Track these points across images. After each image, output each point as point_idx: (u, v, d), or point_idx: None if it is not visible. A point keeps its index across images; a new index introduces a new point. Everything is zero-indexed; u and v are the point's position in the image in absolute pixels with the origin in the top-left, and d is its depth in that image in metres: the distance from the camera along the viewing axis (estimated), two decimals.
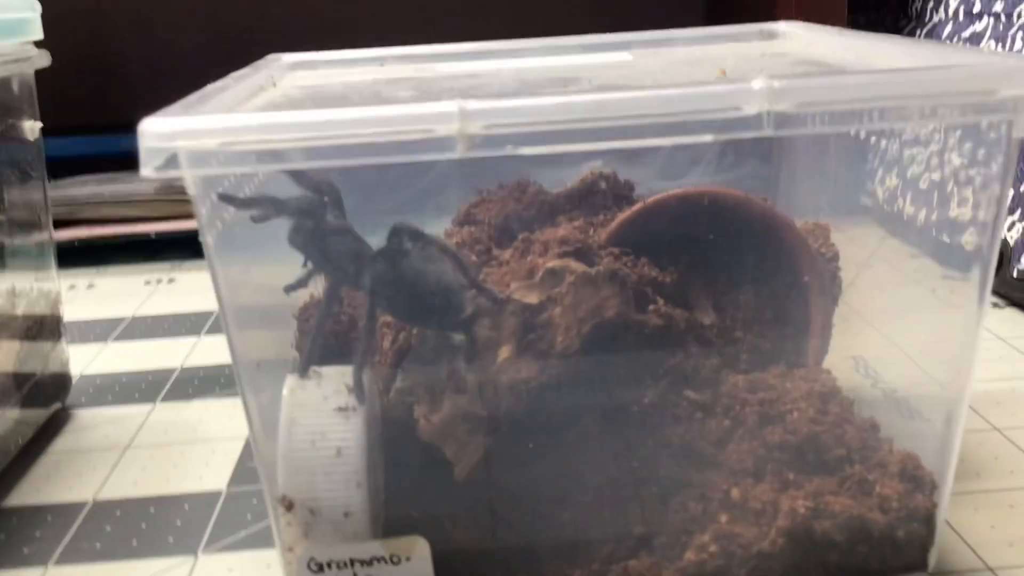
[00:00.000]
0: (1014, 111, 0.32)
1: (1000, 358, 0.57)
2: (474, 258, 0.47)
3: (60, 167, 0.89)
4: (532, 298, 0.40)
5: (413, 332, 0.41)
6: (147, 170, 0.30)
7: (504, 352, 0.39)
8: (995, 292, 0.67)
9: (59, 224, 0.84)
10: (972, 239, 0.36)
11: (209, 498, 0.47)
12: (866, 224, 0.65)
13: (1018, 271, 0.64)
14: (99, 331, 0.69)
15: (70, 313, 0.72)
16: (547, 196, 0.51)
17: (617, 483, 0.40)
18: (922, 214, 0.75)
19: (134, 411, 0.56)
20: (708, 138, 0.31)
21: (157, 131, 0.30)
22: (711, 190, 0.46)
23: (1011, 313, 0.64)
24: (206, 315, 0.71)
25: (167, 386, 0.59)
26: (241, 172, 0.33)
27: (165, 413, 0.56)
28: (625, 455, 0.40)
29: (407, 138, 0.30)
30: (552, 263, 0.41)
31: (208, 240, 0.32)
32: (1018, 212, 0.65)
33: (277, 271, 0.41)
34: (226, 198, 0.34)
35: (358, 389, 0.36)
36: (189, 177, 0.30)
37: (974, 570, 0.38)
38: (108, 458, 0.51)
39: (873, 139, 0.53)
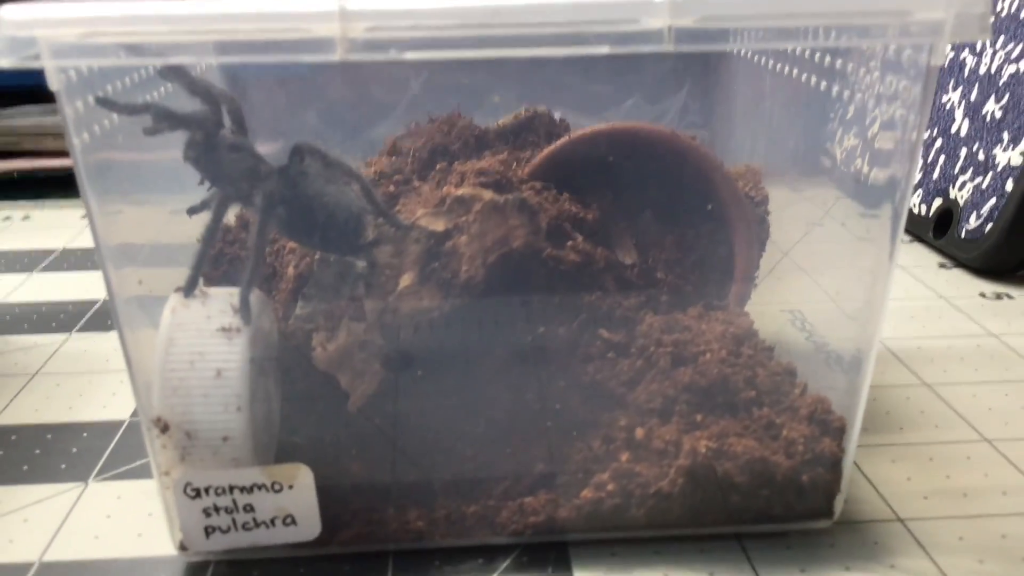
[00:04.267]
0: (932, 36, 0.30)
1: (940, 316, 0.56)
2: (391, 188, 0.45)
3: (3, 97, 0.87)
4: (438, 225, 0.38)
5: (315, 257, 0.40)
6: (4, 60, 0.28)
7: (405, 280, 0.37)
8: (943, 252, 0.66)
9: None
10: (889, 172, 0.35)
11: (109, 427, 0.45)
12: (823, 184, 0.64)
13: (966, 231, 0.62)
14: (27, 262, 0.67)
15: (1, 243, 0.70)
16: (476, 130, 0.49)
17: (522, 420, 0.38)
18: (871, 174, 0.74)
19: (49, 340, 0.55)
20: (604, 50, 0.29)
21: (16, 19, 0.28)
22: (638, 126, 0.44)
23: (957, 273, 0.62)
24: (138, 248, 0.69)
25: (86, 317, 0.58)
26: (105, 65, 0.31)
27: (80, 343, 0.54)
28: (532, 392, 0.39)
29: (283, 37, 0.28)
30: (461, 191, 0.39)
31: (75, 143, 0.31)
32: (969, 172, 0.63)
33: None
34: (105, 102, 0.33)
35: (243, 309, 0.34)
36: (50, 69, 0.29)
37: (884, 520, 0.37)
38: (13, 384, 0.49)
39: (834, 93, 0.52)
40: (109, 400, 0.48)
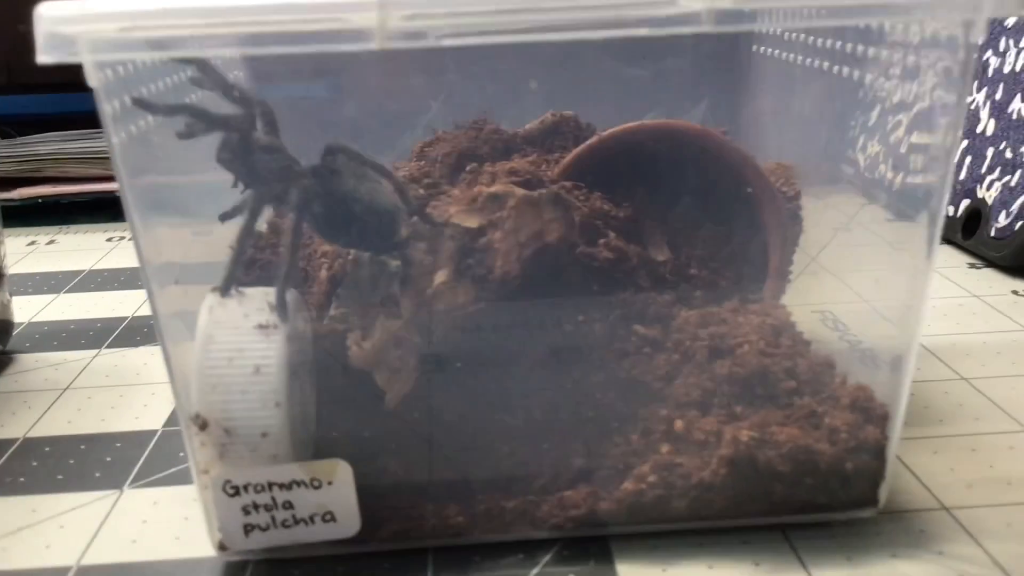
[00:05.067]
0: (971, 11, 0.30)
1: (974, 314, 0.56)
2: (421, 191, 0.45)
3: (26, 125, 0.88)
4: (472, 222, 0.38)
5: (349, 259, 0.40)
6: (45, 56, 0.28)
7: (440, 277, 0.37)
8: (972, 253, 0.65)
9: (23, 182, 0.83)
10: (926, 176, 0.35)
11: (143, 437, 0.45)
12: (847, 192, 0.63)
13: (996, 230, 0.62)
14: (54, 283, 0.68)
15: (27, 267, 0.71)
16: (504, 135, 0.49)
17: (559, 415, 0.38)
18: (899, 178, 0.74)
19: (78, 356, 0.55)
20: (643, 31, 0.29)
21: (54, 15, 0.28)
22: (668, 123, 0.44)
23: (988, 273, 0.62)
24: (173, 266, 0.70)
25: (115, 333, 0.58)
26: (143, 59, 0.31)
27: (110, 358, 0.54)
28: (569, 387, 0.38)
29: (320, 27, 0.28)
30: (494, 188, 0.39)
31: (114, 141, 0.31)
32: (997, 171, 0.63)
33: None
34: (142, 103, 0.33)
35: (280, 307, 0.34)
36: (89, 64, 0.29)
37: (929, 509, 0.37)
38: (45, 399, 0.49)
39: (866, 81, 0.51)
40: (141, 412, 0.47)
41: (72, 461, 0.43)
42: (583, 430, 0.38)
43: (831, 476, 0.35)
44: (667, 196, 0.44)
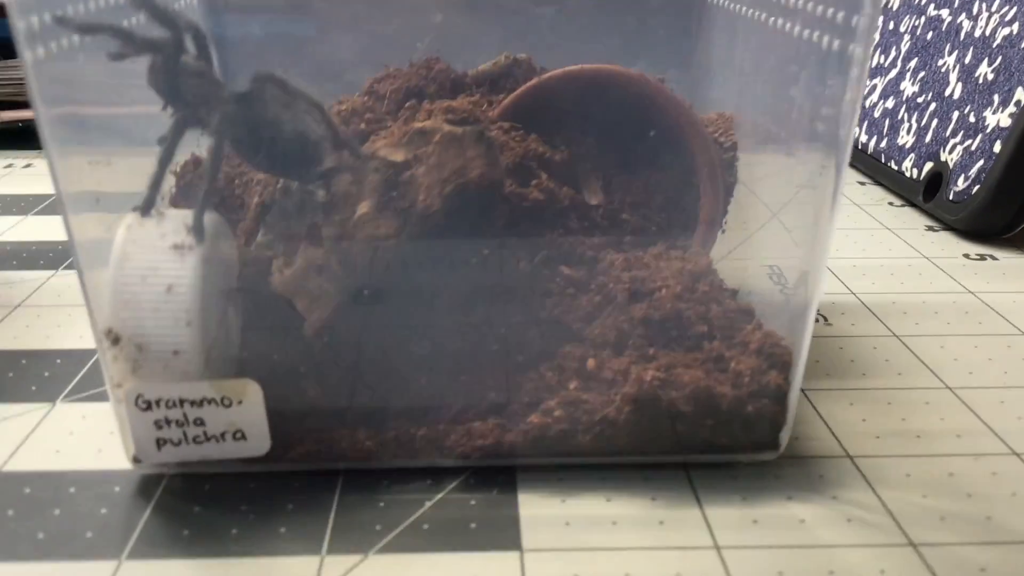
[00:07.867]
0: None
1: (920, 274, 0.56)
2: (363, 126, 0.45)
3: (8, 48, 0.88)
4: (398, 156, 0.39)
5: (278, 186, 0.40)
6: None
7: (363, 207, 0.38)
8: (932, 216, 0.65)
9: (4, 105, 0.84)
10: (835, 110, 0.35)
11: (84, 355, 0.46)
12: (820, 150, 0.63)
13: (954, 193, 0.62)
14: (23, 205, 0.68)
15: (1, 189, 0.71)
16: (453, 74, 0.49)
17: (478, 350, 0.39)
18: (872, 141, 0.74)
19: (34, 276, 0.56)
20: None
21: None
22: (606, 68, 0.44)
23: (944, 236, 0.62)
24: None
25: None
26: None
27: (65, 279, 0.55)
28: (490, 324, 0.39)
29: None
30: (422, 124, 0.39)
31: (27, 58, 0.31)
32: (960, 135, 0.63)
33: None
34: (62, 21, 0.33)
35: (197, 228, 0.35)
36: None
37: (833, 456, 0.37)
38: None
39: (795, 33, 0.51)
40: (86, 331, 0.48)
41: (11, 374, 0.44)
42: (501, 366, 0.38)
43: (732, 418, 0.36)
44: (606, 141, 0.44)
